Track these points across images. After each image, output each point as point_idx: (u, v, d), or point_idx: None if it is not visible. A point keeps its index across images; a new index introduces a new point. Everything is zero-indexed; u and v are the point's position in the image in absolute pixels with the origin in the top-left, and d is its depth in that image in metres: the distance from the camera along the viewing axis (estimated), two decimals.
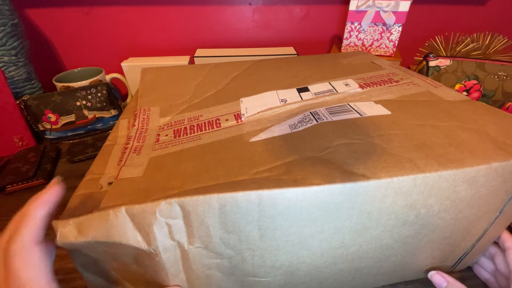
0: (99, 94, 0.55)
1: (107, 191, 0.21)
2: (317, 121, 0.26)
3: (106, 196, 0.21)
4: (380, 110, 0.28)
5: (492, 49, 0.53)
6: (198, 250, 0.20)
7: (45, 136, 0.54)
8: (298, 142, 0.24)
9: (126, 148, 0.27)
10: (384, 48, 0.62)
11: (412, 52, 0.60)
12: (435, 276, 0.26)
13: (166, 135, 0.28)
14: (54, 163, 0.49)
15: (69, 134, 0.55)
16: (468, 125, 0.25)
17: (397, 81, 0.35)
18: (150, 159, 0.25)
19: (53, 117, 0.52)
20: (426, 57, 0.53)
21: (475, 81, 0.50)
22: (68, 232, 0.19)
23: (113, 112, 0.57)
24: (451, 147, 0.22)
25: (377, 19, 0.58)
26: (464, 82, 0.51)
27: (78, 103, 0.53)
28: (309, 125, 0.26)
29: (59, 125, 0.53)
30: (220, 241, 0.20)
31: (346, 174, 0.20)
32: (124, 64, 0.61)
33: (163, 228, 0.19)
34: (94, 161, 0.26)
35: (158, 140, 0.27)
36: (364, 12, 0.58)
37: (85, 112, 0.54)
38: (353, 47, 0.63)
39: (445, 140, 0.23)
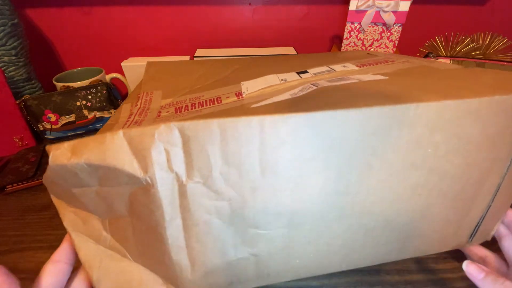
0: (99, 94, 0.55)
1: None
2: (316, 86, 0.26)
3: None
4: (378, 78, 0.27)
5: (492, 49, 0.53)
6: (197, 186, 0.19)
7: (45, 136, 0.54)
8: (300, 99, 0.23)
9: (127, 122, 0.26)
10: (384, 48, 0.62)
11: (412, 52, 0.60)
12: (471, 267, 0.23)
13: (168, 112, 0.27)
14: None
15: (69, 134, 0.55)
16: (465, 79, 0.25)
17: (393, 61, 0.35)
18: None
19: (53, 117, 0.52)
20: (426, 57, 0.53)
21: None
22: (61, 154, 0.18)
23: (113, 112, 0.57)
24: (452, 88, 0.22)
25: (377, 19, 0.59)
26: None
27: (78, 103, 0.53)
28: (308, 90, 0.25)
29: (59, 125, 0.53)
30: (220, 176, 0.19)
31: (349, 103, 0.19)
32: (124, 64, 0.61)
33: (161, 154, 0.18)
34: (92, 136, 0.26)
35: (159, 116, 0.27)
36: (364, 12, 0.58)
37: (85, 112, 0.54)
38: (353, 47, 0.63)
39: (445, 85, 0.22)
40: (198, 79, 0.37)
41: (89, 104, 0.54)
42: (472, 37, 0.54)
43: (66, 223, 0.21)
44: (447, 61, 0.51)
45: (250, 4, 0.68)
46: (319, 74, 0.32)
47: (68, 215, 0.21)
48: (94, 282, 0.21)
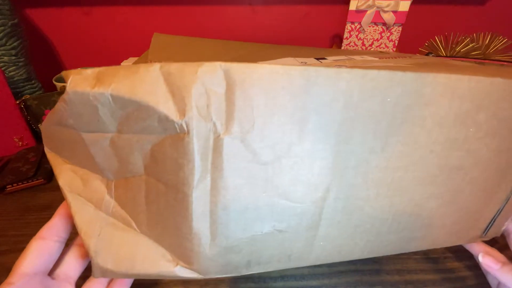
0: None
1: None
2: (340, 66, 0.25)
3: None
4: (404, 64, 0.27)
5: (492, 49, 0.53)
6: (234, 142, 0.16)
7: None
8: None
9: None
10: (384, 48, 0.62)
11: (412, 52, 0.60)
12: (487, 258, 0.24)
13: None
14: None
15: None
16: (487, 70, 0.24)
17: (410, 56, 0.35)
18: None
19: None
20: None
21: None
22: (84, 79, 0.15)
23: None
24: (487, 71, 0.21)
25: (377, 19, 0.58)
26: None
27: None
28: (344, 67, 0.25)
29: None
30: (260, 133, 0.16)
31: (403, 70, 0.18)
32: (124, 64, 0.61)
33: (202, 97, 0.15)
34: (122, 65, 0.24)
35: None
36: (364, 12, 0.58)
37: None
38: (353, 46, 0.63)
39: (479, 70, 0.22)
40: (210, 55, 0.34)
41: None
42: (472, 37, 0.54)
43: (61, 182, 0.18)
44: (440, 58, 0.51)
45: (250, 4, 0.68)
46: (340, 61, 0.30)
47: (65, 173, 0.18)
48: (91, 253, 0.18)
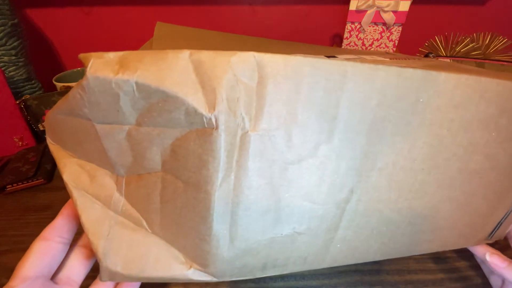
0: None
1: None
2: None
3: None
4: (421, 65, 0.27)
5: (492, 49, 0.53)
6: (261, 139, 0.15)
7: (45, 136, 0.53)
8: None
9: None
10: (384, 48, 0.62)
11: (412, 52, 0.60)
12: (494, 257, 0.24)
13: None
14: (54, 163, 0.49)
15: None
16: (503, 74, 0.25)
17: (419, 58, 0.35)
18: None
19: None
20: (426, 57, 0.53)
21: None
22: (107, 64, 0.14)
23: None
24: (510, 75, 0.21)
25: (377, 19, 0.58)
26: None
27: None
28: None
29: None
30: (290, 129, 0.16)
31: (431, 69, 0.17)
32: None
33: (234, 89, 0.14)
34: (148, 50, 0.23)
35: None
36: (364, 12, 0.58)
37: None
38: (353, 46, 0.63)
39: (500, 74, 0.22)
40: (213, 43, 0.33)
41: None
42: (472, 37, 0.54)
43: (66, 177, 0.17)
44: (447, 61, 0.51)
45: (250, 4, 0.68)
46: (351, 61, 0.31)
47: (71, 167, 0.17)
48: (100, 255, 0.17)
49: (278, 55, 0.14)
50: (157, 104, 0.14)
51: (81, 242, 0.20)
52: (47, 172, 0.45)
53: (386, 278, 0.30)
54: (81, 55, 0.14)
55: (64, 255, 0.18)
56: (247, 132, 0.15)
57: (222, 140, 0.14)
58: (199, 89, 0.14)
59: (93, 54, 0.14)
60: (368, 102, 0.16)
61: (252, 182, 0.16)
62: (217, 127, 0.14)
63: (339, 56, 0.33)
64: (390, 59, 0.33)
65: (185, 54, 0.14)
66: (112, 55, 0.14)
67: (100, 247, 0.17)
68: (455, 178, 0.21)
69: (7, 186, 0.42)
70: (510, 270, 0.22)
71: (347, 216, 0.20)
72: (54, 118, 0.16)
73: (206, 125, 0.14)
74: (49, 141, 0.17)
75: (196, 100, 0.14)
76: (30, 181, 0.43)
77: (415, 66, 0.21)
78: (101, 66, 0.13)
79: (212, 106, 0.14)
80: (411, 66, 0.18)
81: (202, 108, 0.14)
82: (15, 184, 0.42)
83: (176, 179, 0.16)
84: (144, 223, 0.18)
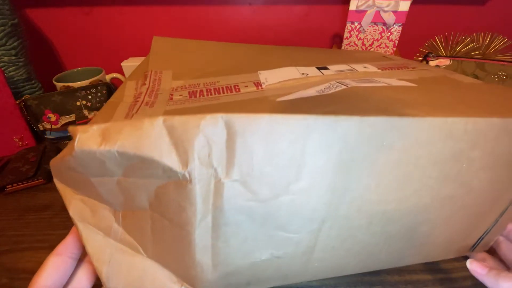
0: (99, 94, 0.55)
1: None
2: (346, 86, 0.25)
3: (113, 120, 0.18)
4: (405, 83, 0.27)
5: (492, 49, 0.53)
6: (234, 185, 0.17)
7: (45, 136, 0.54)
8: (333, 98, 0.22)
9: (136, 102, 0.24)
10: (384, 48, 0.62)
11: (412, 52, 0.60)
12: (474, 264, 0.24)
13: (181, 95, 0.25)
14: None
15: (69, 134, 0.55)
16: (495, 93, 0.25)
17: (414, 68, 0.35)
18: (165, 111, 0.22)
19: (53, 117, 0.52)
20: (426, 57, 0.53)
21: None
22: (90, 138, 0.15)
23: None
24: (489, 104, 0.22)
25: (377, 19, 0.58)
26: None
27: (78, 103, 0.53)
28: (338, 89, 0.24)
29: (59, 125, 0.53)
30: (260, 175, 0.17)
31: (400, 112, 0.19)
32: (124, 64, 0.61)
33: (204, 148, 0.16)
34: (95, 114, 0.24)
35: (171, 99, 0.25)
36: (364, 12, 0.58)
37: (85, 112, 0.54)
38: (353, 46, 0.63)
39: (481, 101, 0.22)
40: (210, 61, 0.34)
41: (89, 104, 0.54)
42: (472, 37, 0.54)
43: (72, 212, 0.19)
44: (447, 61, 0.51)
45: (250, 4, 0.68)
46: (342, 72, 0.31)
47: (75, 203, 0.19)
48: (103, 279, 0.19)
49: (244, 114, 0.16)
50: (137, 164, 0.16)
51: (88, 258, 0.22)
52: (47, 172, 0.45)
53: (386, 278, 0.30)
54: (70, 128, 0.16)
55: (73, 269, 0.21)
56: (220, 180, 0.17)
57: (197, 190, 0.17)
58: (173, 150, 0.16)
59: (79, 128, 0.16)
60: (331, 148, 0.17)
61: (229, 219, 0.18)
62: (191, 181, 0.16)
63: (330, 67, 0.33)
64: (382, 69, 0.33)
65: (159, 121, 0.15)
66: (95, 128, 0.16)
67: (103, 272, 0.19)
68: (428, 204, 0.22)
69: (7, 186, 0.42)
70: (490, 277, 0.22)
71: (321, 241, 0.22)
72: (57, 167, 0.18)
73: (181, 179, 0.16)
74: (55, 180, 0.19)
75: (170, 160, 0.16)
76: (30, 181, 0.43)
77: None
78: (86, 140, 0.16)
79: (185, 164, 0.16)
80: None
81: (176, 167, 0.16)
82: (15, 184, 0.42)
83: (162, 218, 0.18)
84: (140, 249, 0.20)
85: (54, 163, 0.18)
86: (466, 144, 0.20)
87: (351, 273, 0.26)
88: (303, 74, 0.30)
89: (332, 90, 0.24)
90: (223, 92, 0.26)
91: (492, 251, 0.28)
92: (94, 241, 0.20)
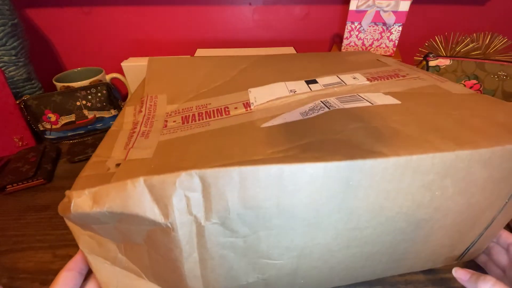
0: (99, 94, 0.55)
1: (115, 172, 0.21)
2: (328, 109, 0.26)
3: (115, 175, 0.20)
4: (390, 100, 0.28)
5: (492, 49, 0.53)
6: (215, 226, 0.20)
7: (45, 136, 0.54)
8: (312, 126, 0.24)
9: (133, 133, 0.26)
10: (384, 48, 0.62)
11: (412, 52, 0.60)
12: (459, 271, 0.26)
13: (174, 121, 0.28)
14: (54, 163, 0.49)
15: (69, 134, 0.55)
16: (478, 113, 0.25)
17: (404, 76, 0.35)
18: (159, 142, 0.24)
19: (53, 117, 0.52)
20: (426, 57, 0.53)
21: (475, 81, 0.50)
22: (83, 202, 0.18)
23: (113, 112, 0.57)
24: (466, 131, 0.22)
25: (377, 19, 0.59)
26: (464, 82, 0.51)
27: (78, 103, 0.53)
28: (321, 112, 0.26)
29: (59, 125, 0.53)
30: (237, 217, 0.20)
31: (366, 152, 0.20)
32: (124, 64, 0.61)
33: (182, 201, 0.18)
34: (99, 145, 0.26)
35: (166, 126, 0.27)
36: (364, 12, 0.58)
37: (85, 112, 0.54)
38: (353, 46, 0.63)
39: (459, 125, 0.23)
40: (203, 80, 0.36)
41: (89, 104, 0.54)
42: (472, 37, 0.54)
43: (81, 246, 0.22)
44: (447, 61, 0.51)
45: (250, 4, 0.68)
46: (329, 87, 0.32)
47: (83, 238, 0.22)
48: None
49: (217, 169, 0.18)
50: (126, 217, 0.19)
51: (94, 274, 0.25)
52: (47, 172, 0.45)
53: (386, 278, 0.30)
54: (67, 192, 0.19)
55: (81, 283, 0.23)
56: (201, 223, 0.19)
57: (180, 236, 0.19)
58: (154, 205, 0.18)
59: (74, 193, 0.18)
60: (300, 191, 0.19)
61: (213, 254, 0.21)
62: (173, 229, 0.19)
63: (320, 81, 0.34)
64: (371, 80, 0.34)
65: (140, 181, 0.18)
66: (87, 192, 0.18)
67: None
68: (404, 227, 0.24)
69: (7, 186, 0.42)
70: (472, 282, 0.24)
71: (303, 264, 0.24)
72: (64, 211, 0.20)
73: (165, 227, 0.19)
74: (66, 220, 0.21)
75: (153, 214, 0.18)
76: (30, 181, 0.43)
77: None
78: (80, 204, 0.18)
79: (166, 216, 0.18)
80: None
81: (159, 219, 0.18)
82: (15, 184, 0.42)
83: (156, 253, 0.21)
84: (143, 275, 0.23)
85: (61, 206, 0.20)
86: (435, 175, 0.21)
87: (337, 285, 0.28)
88: (291, 91, 0.31)
89: (315, 113, 0.26)
90: (214, 116, 0.28)
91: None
92: (103, 269, 0.22)
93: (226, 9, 0.68)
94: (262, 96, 0.30)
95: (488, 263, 0.30)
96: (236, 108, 0.29)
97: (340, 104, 0.27)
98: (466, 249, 0.29)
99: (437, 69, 0.51)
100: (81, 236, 0.22)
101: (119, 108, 0.58)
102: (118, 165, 0.22)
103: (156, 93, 0.33)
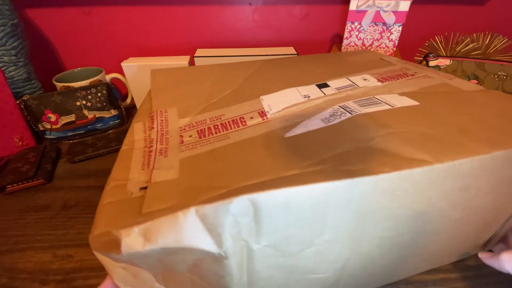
0: (99, 94, 0.55)
1: (141, 196, 0.20)
2: (351, 114, 0.26)
3: (146, 201, 0.19)
4: (408, 101, 0.28)
5: (492, 49, 0.53)
6: (265, 249, 0.20)
7: (45, 136, 0.54)
8: (339, 133, 0.24)
9: (150, 152, 0.25)
10: (384, 48, 0.62)
11: (412, 52, 0.60)
12: (482, 253, 0.27)
13: (190, 136, 0.27)
14: (54, 163, 0.49)
15: (69, 134, 0.55)
16: (495, 111, 0.27)
17: (413, 75, 0.35)
18: (180, 160, 0.23)
19: (53, 117, 0.52)
20: (426, 57, 0.53)
21: (475, 81, 0.50)
22: (134, 240, 0.17)
23: (113, 112, 0.57)
24: (491, 131, 0.23)
25: (377, 19, 0.58)
26: None
27: (78, 103, 0.53)
28: (343, 118, 0.26)
29: (59, 125, 0.53)
30: (286, 238, 0.19)
31: (409, 160, 0.20)
32: (124, 64, 0.61)
33: (235, 227, 0.18)
34: (113, 167, 0.24)
35: (182, 142, 0.26)
36: (364, 12, 0.58)
37: (85, 112, 0.54)
38: (353, 46, 0.63)
39: (482, 126, 0.24)
40: (211, 90, 0.35)
41: (89, 104, 0.54)
42: (472, 37, 0.54)
43: (116, 279, 0.21)
44: (447, 61, 0.51)
45: (250, 4, 0.68)
46: (343, 90, 0.32)
47: (117, 271, 0.21)
48: None
49: (267, 192, 0.17)
50: (176, 250, 0.18)
51: None
52: (47, 172, 0.45)
53: None
54: (113, 232, 0.17)
55: None
56: (251, 248, 0.19)
57: (232, 263, 0.19)
58: (207, 235, 0.18)
59: (122, 232, 0.17)
60: (349, 205, 0.19)
61: (262, 276, 0.21)
62: (227, 257, 0.18)
63: (331, 84, 0.34)
64: (382, 81, 0.34)
65: (192, 212, 0.17)
66: (136, 230, 0.17)
67: None
68: (439, 228, 0.24)
69: (7, 186, 0.42)
70: (493, 257, 0.25)
71: (346, 274, 0.25)
72: (97, 246, 0.19)
73: (217, 256, 0.18)
74: (95, 252, 0.21)
75: (207, 245, 0.18)
76: (30, 181, 0.43)
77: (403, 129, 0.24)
78: (130, 243, 0.17)
79: (220, 245, 0.18)
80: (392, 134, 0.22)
81: (213, 249, 0.18)
82: (15, 184, 0.42)
83: (201, 280, 0.20)
84: None
85: (95, 241, 0.19)
86: (472, 177, 0.22)
87: (373, 287, 0.29)
88: (305, 96, 0.31)
89: (337, 120, 0.26)
90: (230, 128, 0.27)
91: None
92: None
93: (226, 9, 0.68)
94: (276, 103, 0.30)
95: (504, 251, 0.30)
96: (252, 118, 0.28)
97: (361, 109, 0.27)
98: (488, 239, 0.29)
99: (437, 69, 0.51)
100: (114, 269, 0.20)
101: (119, 108, 0.58)
102: (142, 188, 0.21)
103: (165, 107, 0.32)
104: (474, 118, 0.25)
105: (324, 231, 0.20)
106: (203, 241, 0.18)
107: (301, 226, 0.19)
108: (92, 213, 0.38)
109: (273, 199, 0.18)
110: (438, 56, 0.52)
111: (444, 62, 0.51)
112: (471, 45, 0.54)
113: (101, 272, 0.31)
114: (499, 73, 0.48)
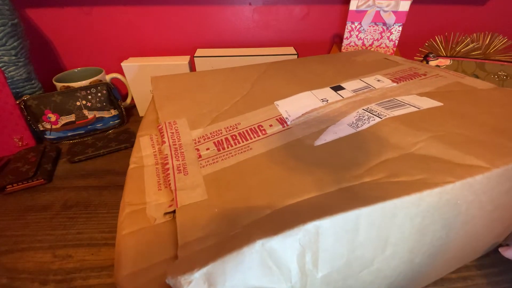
0: (99, 94, 0.55)
1: (166, 222, 0.18)
2: (380, 118, 0.25)
3: (179, 231, 0.17)
4: (431, 102, 0.28)
5: (492, 49, 0.53)
6: (328, 276, 0.18)
7: (45, 136, 0.54)
8: (375, 140, 0.22)
9: (167, 170, 0.23)
10: (384, 48, 0.62)
11: (412, 52, 0.60)
12: (501, 248, 0.27)
13: (208, 149, 0.25)
14: (54, 163, 0.49)
15: (69, 134, 0.55)
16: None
17: (424, 74, 0.35)
18: (204, 177, 0.21)
19: (53, 117, 0.52)
20: (426, 57, 0.53)
21: None
22: (196, 285, 0.15)
23: (113, 112, 0.57)
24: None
25: (377, 19, 0.59)
26: None
27: (78, 103, 0.53)
28: (372, 122, 0.25)
29: (59, 125, 0.53)
30: (350, 261, 0.18)
31: (466, 167, 0.19)
32: (124, 64, 0.61)
33: (302, 258, 0.16)
34: (125, 189, 0.22)
35: (200, 156, 0.24)
36: (364, 12, 0.58)
37: (85, 112, 0.54)
38: (353, 46, 0.63)
39: (502, 135, 0.23)
40: (219, 97, 0.33)
41: (89, 104, 0.54)
42: (472, 37, 0.54)
43: None
44: (447, 61, 0.51)
45: (250, 4, 0.68)
46: (360, 92, 0.31)
47: None
48: None
49: (332, 216, 0.16)
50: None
51: None
52: (47, 172, 0.45)
53: None
54: (170, 280, 0.14)
55: None
56: (316, 277, 0.18)
57: None
58: (276, 271, 0.16)
59: (181, 280, 0.14)
60: (414, 220, 0.18)
61: None
62: None
63: (346, 86, 0.33)
64: (397, 81, 0.33)
65: (258, 245, 0.15)
66: (197, 275, 0.14)
67: None
68: (477, 230, 0.24)
69: (7, 186, 0.42)
70: (508, 249, 0.26)
71: (394, 284, 0.23)
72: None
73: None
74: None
75: (275, 282, 0.16)
76: (30, 181, 0.43)
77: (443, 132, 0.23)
78: None
79: (289, 280, 0.16)
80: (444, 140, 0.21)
81: (283, 286, 0.16)
82: (15, 184, 0.42)
83: None
84: None
85: (127, 282, 0.17)
86: (496, 190, 0.21)
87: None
88: (322, 100, 0.30)
89: (366, 125, 0.24)
90: (250, 138, 0.25)
91: None
92: None
93: (226, 9, 0.68)
94: (293, 109, 0.29)
95: None
96: (271, 125, 0.27)
97: (387, 112, 0.26)
98: (509, 234, 0.29)
99: None
100: None
101: (119, 108, 0.58)
102: (166, 214, 0.19)
103: (173, 118, 0.30)
104: (500, 116, 0.24)
105: (385, 249, 0.19)
106: (271, 279, 0.16)
107: (366, 246, 0.18)
108: (92, 213, 0.38)
109: (341, 223, 0.16)
110: (438, 56, 0.52)
111: (444, 62, 0.51)
112: (471, 45, 0.54)
113: (101, 272, 0.31)
114: (499, 73, 0.48)
